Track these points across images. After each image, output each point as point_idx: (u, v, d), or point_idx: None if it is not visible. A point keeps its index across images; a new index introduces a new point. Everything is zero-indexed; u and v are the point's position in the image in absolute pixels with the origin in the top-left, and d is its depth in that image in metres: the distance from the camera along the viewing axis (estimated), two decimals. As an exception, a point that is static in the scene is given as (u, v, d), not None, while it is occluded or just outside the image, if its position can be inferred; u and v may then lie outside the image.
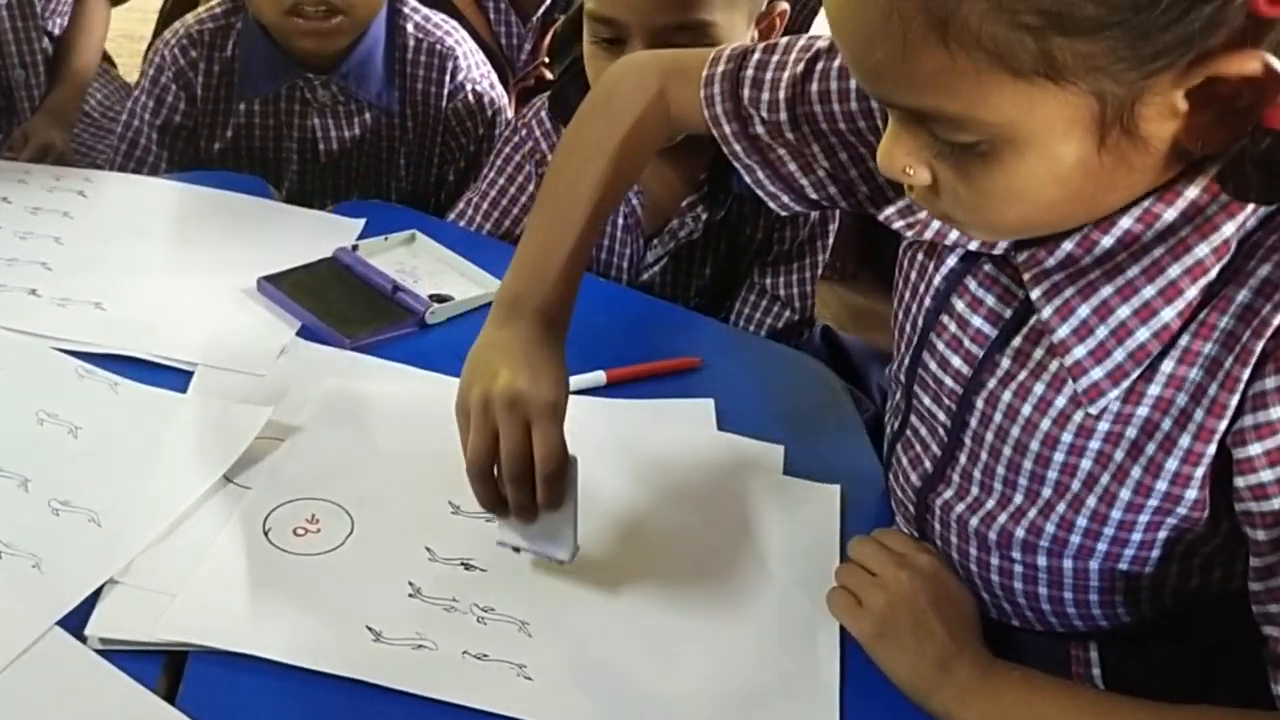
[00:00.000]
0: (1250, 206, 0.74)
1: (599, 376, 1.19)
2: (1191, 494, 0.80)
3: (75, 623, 0.85)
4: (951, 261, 0.91)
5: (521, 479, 0.90)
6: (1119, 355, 0.78)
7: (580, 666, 0.88)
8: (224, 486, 1.00)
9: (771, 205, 1.12)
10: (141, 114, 1.71)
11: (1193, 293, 0.76)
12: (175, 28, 1.70)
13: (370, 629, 0.88)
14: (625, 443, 1.11)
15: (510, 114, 1.80)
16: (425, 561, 0.95)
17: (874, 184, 1.05)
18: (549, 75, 2.21)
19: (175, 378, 1.12)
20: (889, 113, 0.76)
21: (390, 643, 0.87)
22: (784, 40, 1.07)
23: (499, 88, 1.79)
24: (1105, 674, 0.93)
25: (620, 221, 1.51)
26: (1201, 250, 0.75)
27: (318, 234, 1.41)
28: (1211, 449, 0.77)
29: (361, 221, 1.46)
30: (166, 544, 0.93)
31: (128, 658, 0.83)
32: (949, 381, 0.91)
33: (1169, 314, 0.76)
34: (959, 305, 0.90)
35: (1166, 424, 0.79)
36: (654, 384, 1.21)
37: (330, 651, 0.86)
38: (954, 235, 0.88)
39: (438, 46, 1.72)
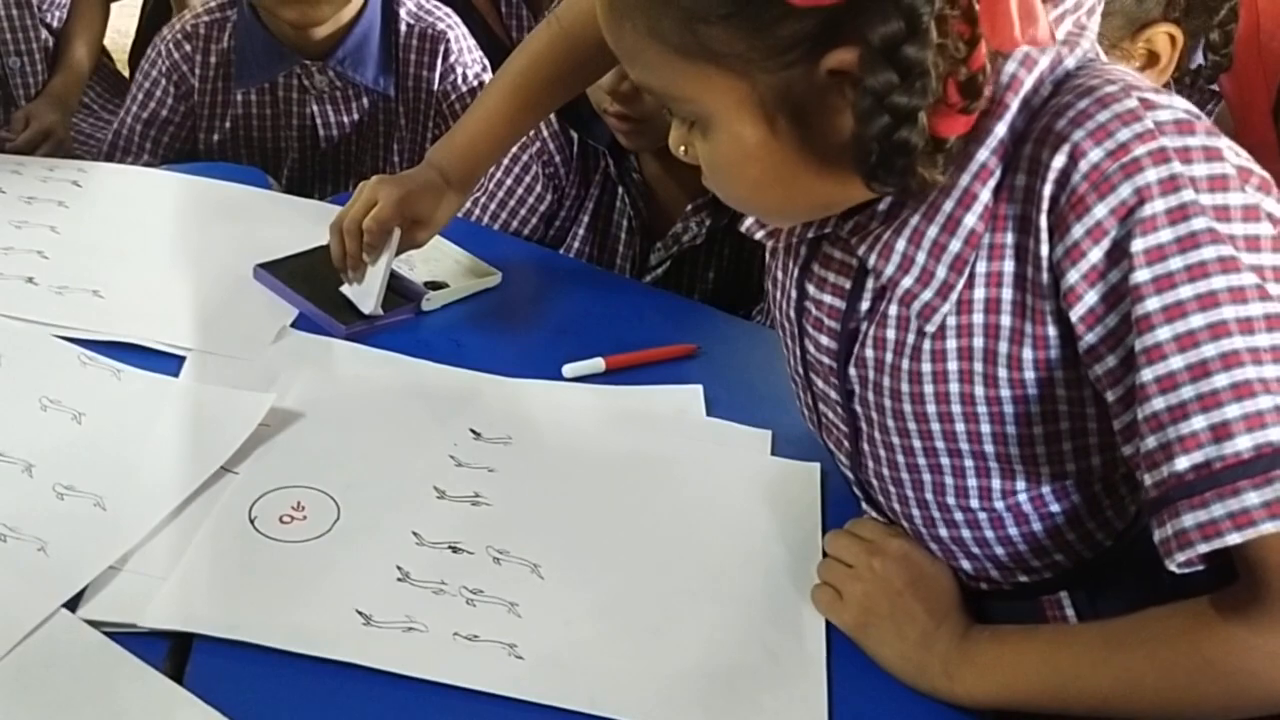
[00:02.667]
0: (1014, 105, 0.80)
1: (598, 363, 1.22)
2: (1060, 374, 0.83)
3: (68, 607, 0.87)
4: (804, 252, 0.95)
5: (350, 233, 1.25)
6: (941, 272, 0.84)
7: (570, 646, 0.90)
8: (217, 473, 1.01)
9: None
10: (130, 107, 1.74)
11: (985, 194, 0.81)
12: (173, 23, 1.73)
13: (360, 613, 0.90)
14: (614, 429, 1.14)
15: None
16: (413, 546, 0.97)
17: None
18: None
19: (176, 365, 1.14)
20: None
21: (381, 626, 0.89)
22: None
23: (491, 73, 1.80)
24: (1081, 620, 0.94)
25: (624, 224, 1.52)
26: (982, 155, 0.81)
27: (315, 222, 1.41)
28: (1050, 330, 0.81)
29: None
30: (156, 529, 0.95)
31: (134, 639, 0.85)
32: (826, 360, 0.95)
33: (971, 219, 0.82)
34: (812, 290, 0.94)
35: (1005, 319, 0.83)
36: (652, 371, 1.24)
37: (319, 636, 0.87)
38: (802, 232, 0.94)
39: (429, 31, 1.74)
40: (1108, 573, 0.93)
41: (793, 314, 0.97)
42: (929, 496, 0.94)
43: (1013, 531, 0.92)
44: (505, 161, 1.56)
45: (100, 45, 2.02)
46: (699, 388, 1.21)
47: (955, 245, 0.83)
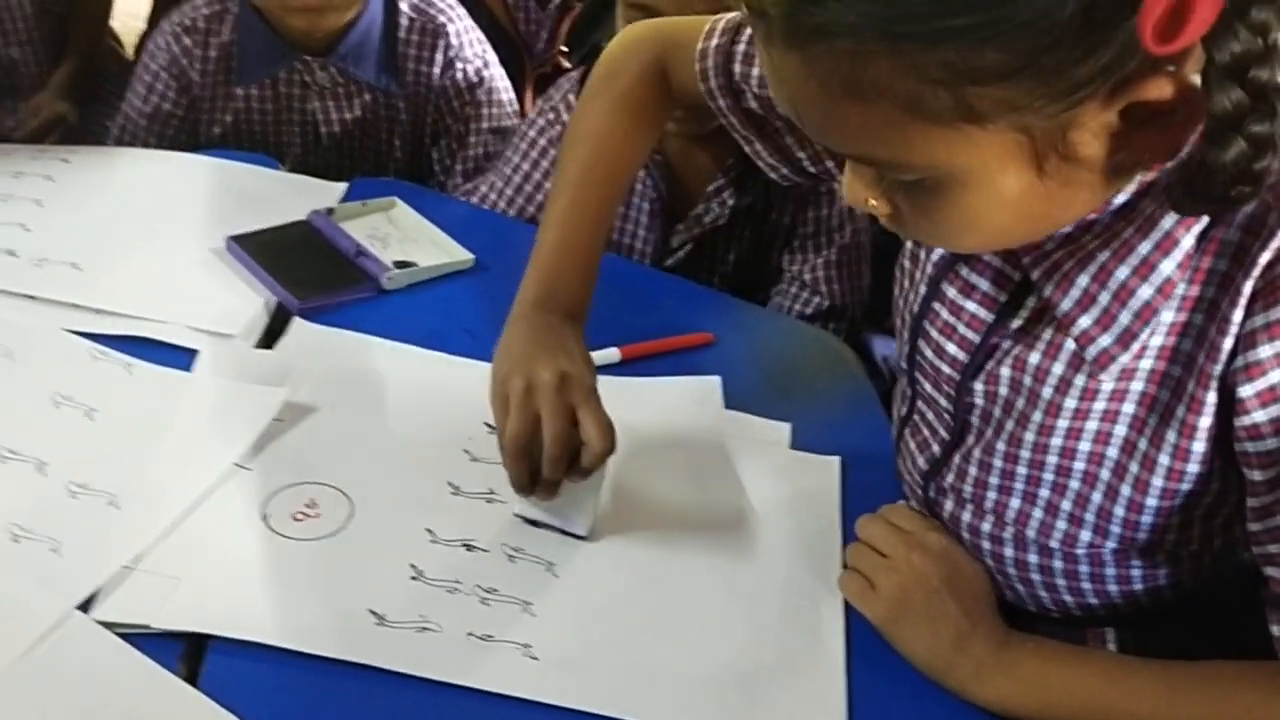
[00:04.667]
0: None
1: (613, 353, 1.21)
2: (1199, 445, 0.80)
3: (81, 608, 0.86)
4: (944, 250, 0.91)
5: (563, 459, 0.95)
6: (1124, 318, 0.78)
7: (585, 645, 0.90)
8: (231, 469, 1.01)
9: (772, 176, 1.14)
10: (132, 100, 1.73)
11: (1188, 241, 0.76)
12: (172, 15, 1.71)
13: (373, 612, 0.89)
14: (631, 420, 1.12)
15: (509, 96, 1.81)
16: (426, 544, 0.96)
17: None
18: (566, 64, 2.21)
19: (188, 359, 1.13)
20: None
21: (394, 626, 0.89)
22: None
23: (493, 69, 1.79)
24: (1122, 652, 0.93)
25: (646, 206, 1.51)
26: None
27: (301, 198, 1.42)
28: (1211, 396, 0.77)
29: (342, 186, 1.48)
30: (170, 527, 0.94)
31: (148, 641, 0.84)
32: (946, 369, 0.92)
33: (1168, 266, 0.76)
34: (950, 292, 0.90)
35: (1176, 370, 0.79)
36: (668, 360, 1.23)
37: (333, 636, 0.87)
38: None
39: (429, 25, 1.73)
40: (1162, 621, 0.92)
41: (916, 309, 0.93)
42: (1007, 520, 0.92)
43: (1083, 569, 0.91)
44: (523, 146, 1.56)
45: (106, 32, 2.00)
46: (717, 379, 1.20)
47: (1146, 292, 0.77)
